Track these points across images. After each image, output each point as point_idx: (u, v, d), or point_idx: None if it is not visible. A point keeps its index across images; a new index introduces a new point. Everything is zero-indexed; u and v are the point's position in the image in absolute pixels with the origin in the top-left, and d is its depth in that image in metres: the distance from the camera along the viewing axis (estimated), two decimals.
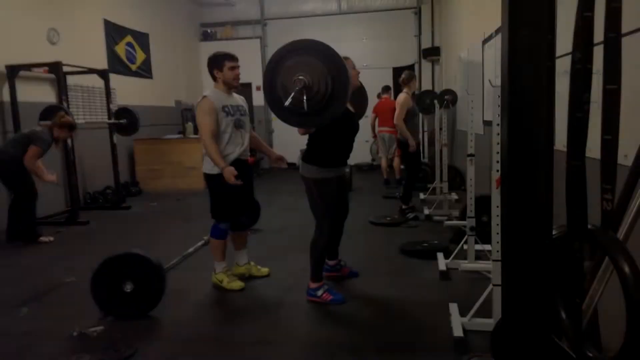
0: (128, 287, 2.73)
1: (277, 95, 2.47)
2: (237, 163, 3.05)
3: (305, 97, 2.37)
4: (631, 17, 1.71)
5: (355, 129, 3.03)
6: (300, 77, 2.36)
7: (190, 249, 3.85)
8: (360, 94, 3.40)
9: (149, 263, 2.79)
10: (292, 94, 2.37)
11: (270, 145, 10.60)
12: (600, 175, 1.03)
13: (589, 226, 0.97)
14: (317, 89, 2.39)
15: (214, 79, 3.11)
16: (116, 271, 2.74)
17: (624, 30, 1.63)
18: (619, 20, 0.94)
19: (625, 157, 1.72)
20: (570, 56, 0.99)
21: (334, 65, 2.42)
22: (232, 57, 3.10)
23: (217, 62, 3.06)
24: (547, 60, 1.04)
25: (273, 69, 2.48)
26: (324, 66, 2.41)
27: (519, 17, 1.09)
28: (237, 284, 3.18)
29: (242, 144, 3.13)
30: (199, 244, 4.17)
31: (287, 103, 2.38)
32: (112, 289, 2.73)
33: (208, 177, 3.11)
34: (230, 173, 2.88)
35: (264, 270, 3.45)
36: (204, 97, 3.01)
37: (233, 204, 3.10)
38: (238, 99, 3.21)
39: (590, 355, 1.04)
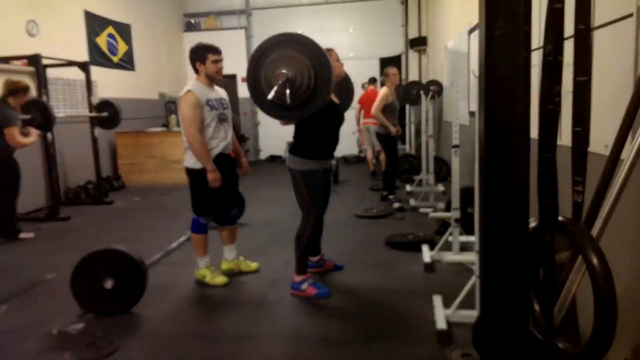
0: (108, 284, 2.69)
1: (261, 88, 2.48)
2: (221, 157, 3.02)
3: (288, 91, 2.38)
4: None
5: (340, 120, 3.02)
6: (283, 71, 2.37)
7: (174, 244, 3.82)
8: (346, 85, 3.38)
9: (129, 259, 2.75)
10: (275, 88, 2.37)
11: (256, 137, 10.55)
12: (571, 168, 1.02)
13: (560, 218, 0.97)
14: (300, 83, 2.40)
15: (196, 71, 3.04)
16: (96, 268, 2.70)
17: (616, 15, 1.64)
18: (588, 12, 0.92)
19: (605, 147, 1.73)
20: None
21: (317, 59, 2.43)
22: (216, 50, 3.03)
23: (199, 55, 3.00)
24: (522, 51, 1.03)
25: (256, 63, 2.48)
26: (306, 59, 2.41)
27: (496, 8, 1.08)
28: (221, 279, 3.14)
29: (225, 137, 3.08)
30: (182, 239, 4.14)
31: (270, 97, 2.39)
32: (92, 285, 2.69)
33: (190, 172, 3.06)
34: (215, 180, 2.92)
35: (254, 265, 3.42)
36: (188, 91, 2.94)
37: (216, 199, 3.06)
38: (220, 92, 3.17)
39: (561, 346, 1.05)
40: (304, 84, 2.40)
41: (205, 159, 2.92)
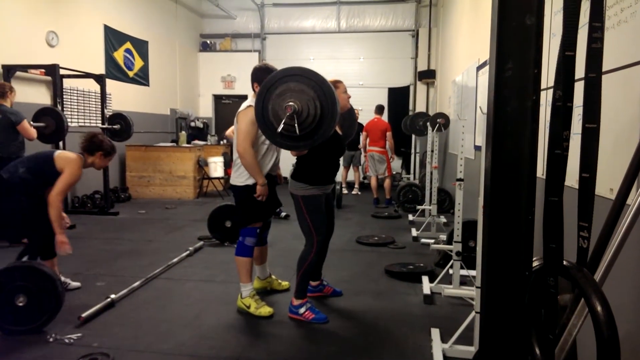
0: (20, 301, 2.60)
1: (270, 122, 2.56)
2: (267, 176, 3.05)
3: (296, 122, 2.45)
4: None
5: (342, 150, 3.11)
6: (290, 103, 2.46)
7: (175, 259, 3.82)
8: (350, 116, 3.44)
9: (44, 276, 2.66)
10: (284, 120, 2.45)
11: None
12: (577, 213, 1.04)
13: (565, 262, 0.98)
14: (306, 114, 2.49)
15: (254, 90, 3.04)
16: (9, 284, 2.61)
17: (627, 61, 1.68)
18: (600, 61, 0.96)
19: (610, 190, 1.75)
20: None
21: (320, 89, 2.52)
22: None
23: (259, 76, 2.96)
24: (532, 93, 1.06)
25: (263, 98, 2.56)
26: (311, 90, 2.50)
27: (507, 50, 1.12)
28: (266, 310, 2.97)
29: (272, 159, 3.11)
30: (184, 254, 4.15)
31: (279, 129, 2.47)
32: (2, 302, 2.59)
33: (238, 189, 3.04)
34: (263, 194, 2.95)
35: (285, 283, 3.46)
36: (250, 106, 2.90)
37: (261, 209, 3.08)
38: None
39: None
40: (311, 114, 2.49)
41: (256, 172, 2.92)
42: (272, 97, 2.52)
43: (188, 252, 4.29)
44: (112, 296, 3.10)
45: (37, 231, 3.06)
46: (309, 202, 2.89)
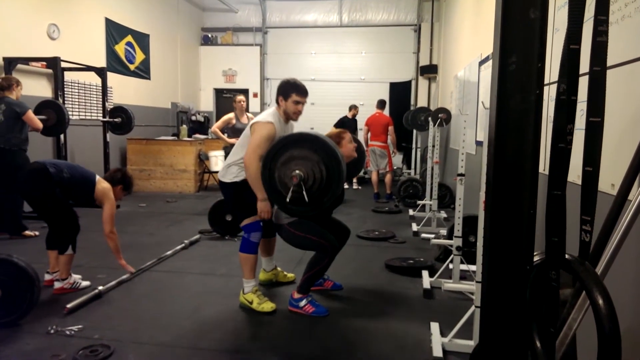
0: None
1: (278, 190, 2.60)
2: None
3: (304, 189, 2.48)
4: None
5: (339, 200, 3.12)
6: (296, 172, 2.49)
7: (168, 252, 3.84)
8: (358, 151, 3.38)
9: (20, 270, 2.64)
10: (292, 189, 2.49)
11: None
12: (580, 207, 1.04)
13: (567, 256, 0.98)
14: (313, 179, 2.53)
15: (277, 103, 3.00)
16: None
17: (630, 56, 1.68)
18: (604, 54, 0.96)
19: (612, 186, 1.75)
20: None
21: (325, 153, 2.54)
22: (300, 91, 2.94)
23: (284, 90, 2.93)
24: (535, 87, 1.05)
25: (269, 167, 2.59)
26: (315, 155, 2.53)
27: (510, 43, 1.11)
28: (269, 306, 2.94)
29: None
30: (178, 247, 4.16)
31: (288, 199, 2.51)
32: None
33: (227, 186, 2.99)
34: (265, 208, 2.85)
35: (290, 275, 3.48)
36: (270, 122, 2.83)
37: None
38: (290, 129, 3.10)
39: None
40: (317, 179, 2.53)
41: (258, 187, 2.80)
42: (277, 165, 2.56)
43: (183, 245, 4.30)
44: (100, 288, 3.13)
45: (62, 225, 3.23)
46: (296, 224, 2.89)
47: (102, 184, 3.30)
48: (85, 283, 3.31)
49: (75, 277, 3.28)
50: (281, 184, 2.55)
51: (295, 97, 2.91)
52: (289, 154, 2.53)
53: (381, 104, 7.55)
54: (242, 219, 2.99)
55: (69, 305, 2.83)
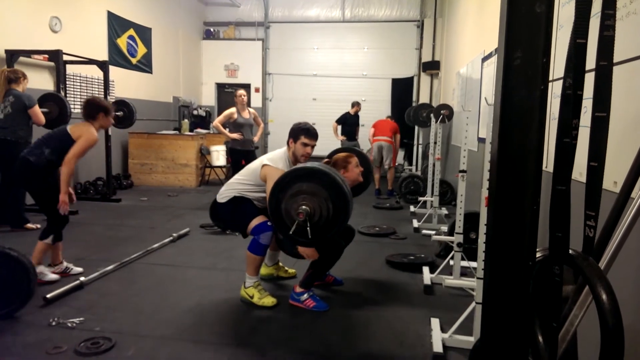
0: None
1: (284, 221, 2.59)
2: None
3: (308, 226, 2.48)
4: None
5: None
6: (303, 208, 2.48)
7: (155, 245, 3.88)
8: (364, 175, 3.35)
9: (17, 262, 2.63)
10: (297, 222, 2.49)
11: (265, 147, 10.62)
12: (584, 202, 1.03)
13: (570, 251, 0.98)
14: (319, 215, 2.52)
15: (288, 145, 3.09)
16: None
17: (635, 53, 1.67)
18: (611, 49, 0.95)
19: (614, 183, 1.75)
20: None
21: (334, 191, 2.53)
22: (310, 134, 3.03)
23: (294, 133, 3.04)
24: (540, 82, 1.05)
25: (277, 197, 2.58)
26: (325, 191, 2.52)
27: (516, 38, 1.10)
28: (269, 300, 2.95)
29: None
30: (166, 240, 4.17)
31: (291, 231, 2.53)
32: None
33: (226, 203, 3.07)
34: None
35: (291, 271, 3.49)
36: (281, 170, 2.84)
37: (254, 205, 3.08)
38: None
39: None
40: (323, 216, 2.52)
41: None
42: (286, 197, 2.55)
43: (171, 238, 4.31)
44: (82, 279, 3.14)
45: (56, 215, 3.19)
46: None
47: (76, 126, 3.22)
48: (77, 269, 3.36)
49: (68, 264, 3.35)
50: (287, 216, 2.56)
51: (304, 139, 3.00)
52: (298, 187, 2.52)
53: (391, 117, 7.85)
54: (246, 224, 2.98)
55: (49, 295, 2.84)
